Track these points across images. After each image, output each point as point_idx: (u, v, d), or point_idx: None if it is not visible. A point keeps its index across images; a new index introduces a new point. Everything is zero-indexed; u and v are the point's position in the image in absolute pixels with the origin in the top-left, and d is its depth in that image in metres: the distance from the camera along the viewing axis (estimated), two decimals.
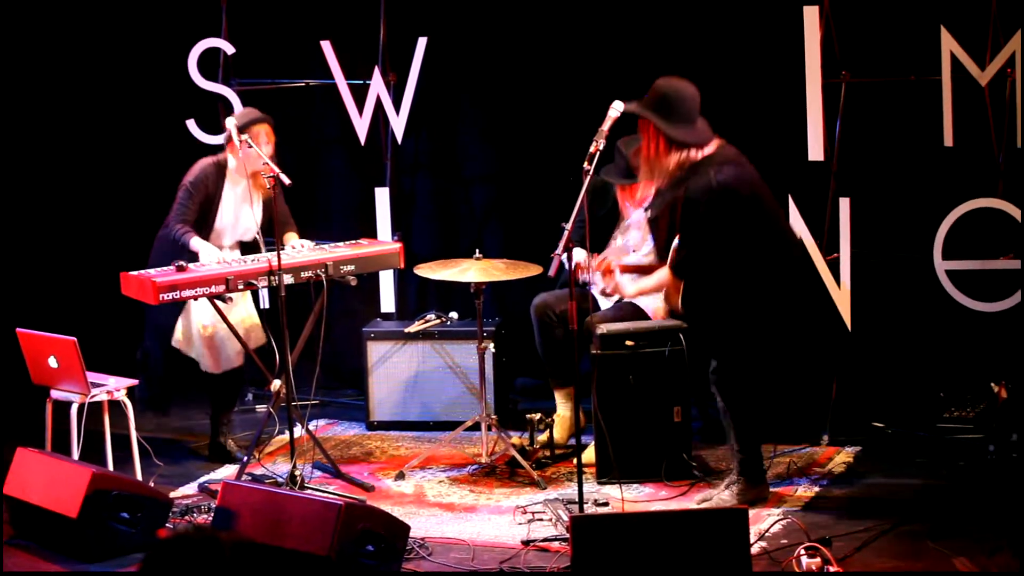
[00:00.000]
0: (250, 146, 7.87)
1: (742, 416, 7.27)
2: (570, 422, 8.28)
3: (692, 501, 7.50)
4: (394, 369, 8.90)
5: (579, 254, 7.77)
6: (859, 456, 8.12)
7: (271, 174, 7.64)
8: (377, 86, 9.19)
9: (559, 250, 6.96)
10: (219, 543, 4.19)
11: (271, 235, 8.06)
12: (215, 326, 8.14)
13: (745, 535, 6.14)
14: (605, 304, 8.29)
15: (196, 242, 7.96)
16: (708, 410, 8.64)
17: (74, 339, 7.55)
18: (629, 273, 7.65)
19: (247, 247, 8.35)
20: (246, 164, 8.06)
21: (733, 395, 7.23)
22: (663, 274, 7.21)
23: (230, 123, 8.04)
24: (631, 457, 7.78)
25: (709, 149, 7.14)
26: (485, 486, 7.90)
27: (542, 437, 8.20)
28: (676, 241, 7.21)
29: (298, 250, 8.15)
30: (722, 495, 7.34)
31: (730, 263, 7.09)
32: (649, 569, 6.08)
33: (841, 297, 8.25)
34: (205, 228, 8.15)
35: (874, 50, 8.42)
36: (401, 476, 8.05)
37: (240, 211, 8.21)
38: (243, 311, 8.32)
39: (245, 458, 8.02)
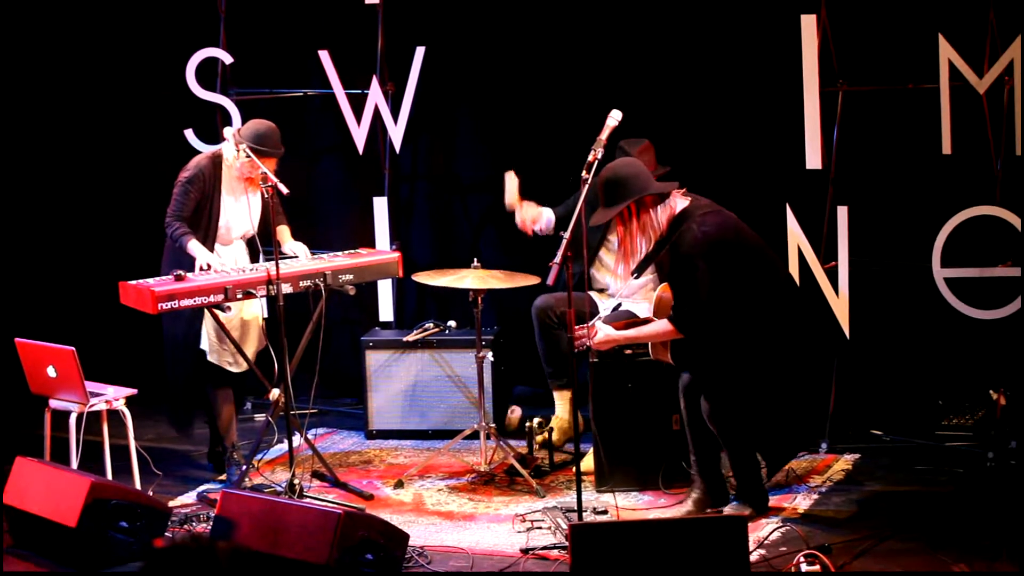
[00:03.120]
0: (248, 156, 7.87)
1: (739, 445, 7.25)
2: (568, 424, 8.28)
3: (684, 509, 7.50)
4: (393, 378, 8.90)
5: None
6: (858, 464, 8.12)
7: (269, 183, 7.65)
8: (375, 95, 9.20)
9: (557, 258, 6.97)
10: (215, 552, 4.19)
11: (269, 244, 8.05)
12: (239, 316, 8.15)
13: (744, 543, 6.14)
14: (604, 311, 8.30)
15: (193, 246, 7.93)
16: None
17: (73, 348, 7.55)
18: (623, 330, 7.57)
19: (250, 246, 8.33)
20: (241, 169, 8.05)
21: (730, 430, 7.21)
22: (663, 324, 7.21)
23: (228, 132, 8.05)
24: (630, 465, 7.78)
25: (682, 202, 7.15)
26: (484, 494, 7.90)
27: (540, 437, 8.19)
28: (660, 291, 7.27)
29: (295, 256, 8.15)
30: (735, 507, 7.29)
31: (729, 310, 7.10)
32: None
33: (839, 305, 8.25)
34: (209, 225, 8.09)
35: (871, 58, 8.43)
36: (400, 485, 8.05)
37: (241, 203, 8.17)
38: (255, 308, 8.27)
39: (244, 467, 8.02)
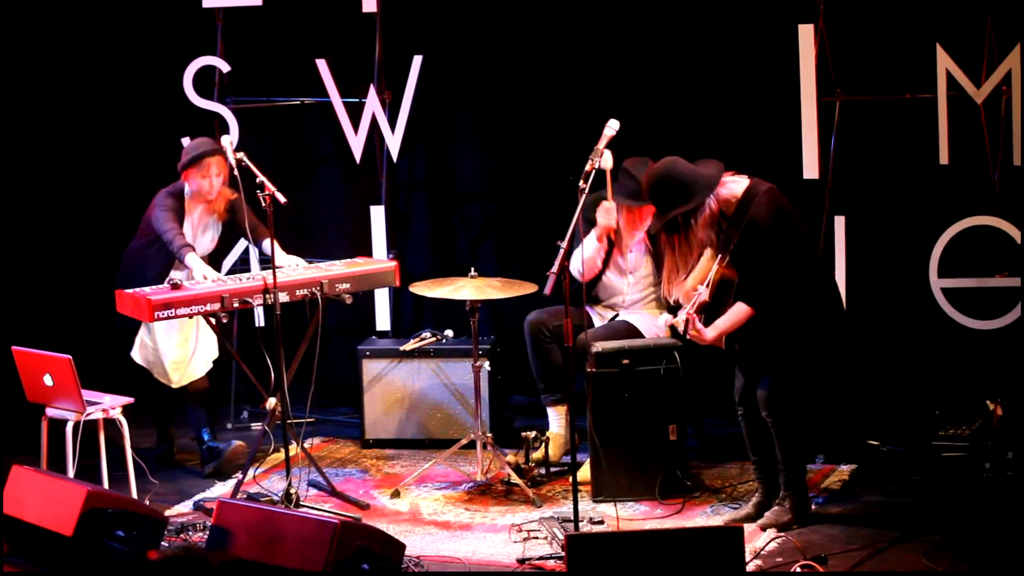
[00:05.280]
0: (245, 164, 7.87)
1: (792, 433, 7.27)
2: (564, 439, 8.27)
3: (740, 523, 7.44)
4: (389, 387, 8.89)
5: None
6: (854, 474, 8.11)
7: (267, 191, 7.65)
8: (372, 104, 9.20)
9: (554, 268, 6.96)
10: (208, 563, 4.18)
11: (266, 257, 8.07)
12: (181, 347, 8.29)
13: (741, 553, 6.13)
14: (599, 322, 8.30)
15: (191, 259, 7.97)
16: (705, 428, 8.65)
17: (69, 357, 7.54)
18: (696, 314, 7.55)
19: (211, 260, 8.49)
20: (203, 191, 8.28)
21: (786, 413, 7.23)
22: (740, 310, 7.17)
23: (225, 141, 8.06)
24: (626, 475, 7.77)
25: (742, 182, 7.15)
26: (480, 504, 7.89)
27: (536, 455, 8.19)
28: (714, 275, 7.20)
29: (292, 268, 8.14)
30: (775, 512, 7.32)
31: (795, 285, 7.14)
32: None
33: None
34: None
35: (869, 68, 8.43)
36: (396, 494, 8.04)
37: (197, 233, 8.37)
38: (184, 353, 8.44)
39: (241, 476, 8.01)
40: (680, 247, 7.17)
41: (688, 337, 7.19)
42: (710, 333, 7.16)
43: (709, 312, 7.16)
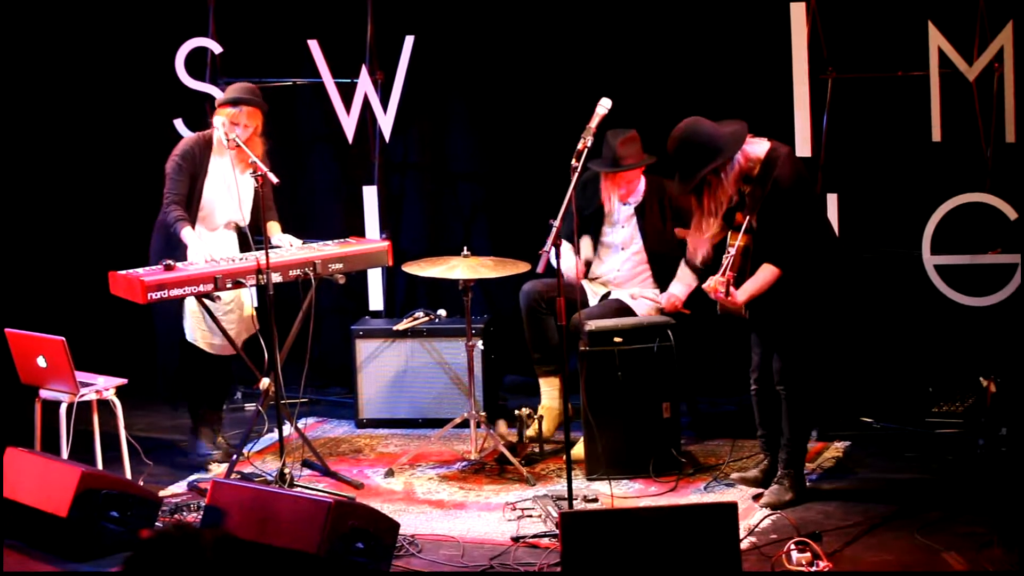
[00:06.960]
0: (237, 145, 7.84)
1: (803, 407, 7.31)
2: (558, 413, 8.28)
3: (737, 496, 7.48)
4: (383, 367, 8.89)
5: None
6: (848, 451, 8.13)
7: (259, 172, 7.64)
8: (364, 84, 9.19)
9: (547, 246, 6.96)
10: (201, 540, 4.17)
11: (259, 234, 8.04)
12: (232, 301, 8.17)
13: (735, 530, 6.14)
14: (593, 300, 8.30)
15: (187, 233, 7.91)
16: (698, 405, 8.65)
17: (63, 339, 7.53)
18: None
19: (240, 237, 8.32)
20: (226, 137, 8.01)
21: (800, 385, 7.27)
22: (768, 271, 7.15)
23: (218, 120, 8.03)
24: (620, 453, 7.78)
25: (763, 144, 7.17)
26: (474, 483, 7.90)
27: (530, 431, 8.20)
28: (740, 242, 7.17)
29: (286, 248, 8.13)
30: (775, 491, 7.34)
31: (817, 248, 7.20)
32: (639, 565, 6.08)
33: None
34: (190, 206, 8.09)
35: (861, 46, 8.43)
36: (390, 473, 8.04)
37: (228, 184, 8.15)
38: (244, 299, 8.28)
39: (235, 456, 8.02)
40: (708, 204, 7.18)
41: (722, 301, 7.18)
42: (741, 296, 7.17)
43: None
